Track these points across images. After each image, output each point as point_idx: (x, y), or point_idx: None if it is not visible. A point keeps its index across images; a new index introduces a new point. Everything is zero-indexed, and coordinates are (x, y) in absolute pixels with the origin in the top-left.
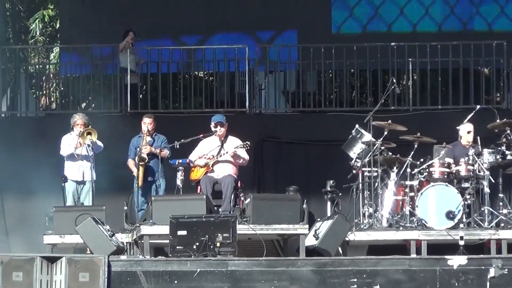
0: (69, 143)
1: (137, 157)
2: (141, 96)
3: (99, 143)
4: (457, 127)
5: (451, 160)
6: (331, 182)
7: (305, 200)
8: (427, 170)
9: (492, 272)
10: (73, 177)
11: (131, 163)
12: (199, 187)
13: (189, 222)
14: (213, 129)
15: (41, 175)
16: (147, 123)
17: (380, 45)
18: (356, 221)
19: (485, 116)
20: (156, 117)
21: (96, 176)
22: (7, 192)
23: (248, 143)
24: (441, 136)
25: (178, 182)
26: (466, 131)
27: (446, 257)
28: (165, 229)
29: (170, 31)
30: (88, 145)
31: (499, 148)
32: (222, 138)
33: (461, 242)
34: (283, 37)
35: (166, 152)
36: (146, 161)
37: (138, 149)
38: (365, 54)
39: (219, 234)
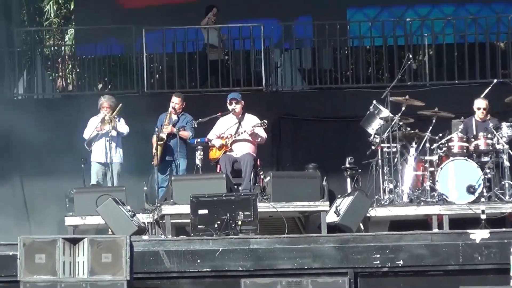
0: (94, 126)
1: (155, 136)
2: (157, 76)
3: (123, 129)
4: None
5: (469, 134)
6: (350, 158)
7: (325, 177)
8: (446, 144)
9: None
10: (97, 159)
11: (154, 138)
12: (218, 166)
13: (210, 201)
14: (229, 106)
15: (60, 156)
16: (174, 103)
17: (396, 21)
18: (376, 197)
19: (502, 90)
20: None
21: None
22: (27, 175)
23: (266, 121)
24: (458, 110)
25: (197, 161)
26: (476, 107)
27: (469, 231)
28: (186, 209)
29: None
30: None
31: None
32: (239, 116)
33: (483, 216)
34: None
35: (187, 134)
36: (164, 141)
37: (158, 128)
38: (380, 30)
39: (240, 213)
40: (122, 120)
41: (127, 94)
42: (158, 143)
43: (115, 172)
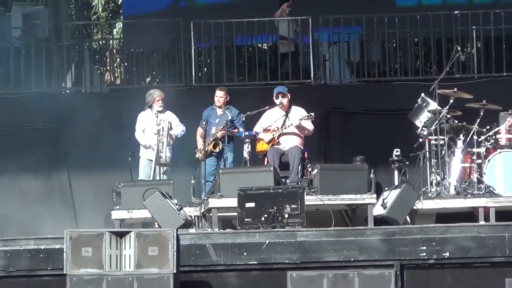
0: (146, 122)
1: (211, 140)
2: (205, 69)
3: (178, 130)
4: None
5: None
6: (396, 151)
7: (372, 170)
8: (494, 137)
9: None
10: (147, 155)
11: (199, 131)
12: (266, 159)
13: (257, 194)
14: (275, 100)
15: (107, 150)
16: (218, 96)
17: (444, 14)
18: (423, 189)
19: None
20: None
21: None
22: (74, 168)
23: (312, 114)
24: (507, 103)
25: (245, 154)
26: None
27: None
28: (233, 202)
29: None
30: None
31: None
32: (286, 109)
33: None
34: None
35: (237, 130)
36: (218, 146)
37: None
38: (428, 23)
39: (287, 206)
40: (175, 118)
41: (175, 88)
42: (213, 149)
43: (162, 171)
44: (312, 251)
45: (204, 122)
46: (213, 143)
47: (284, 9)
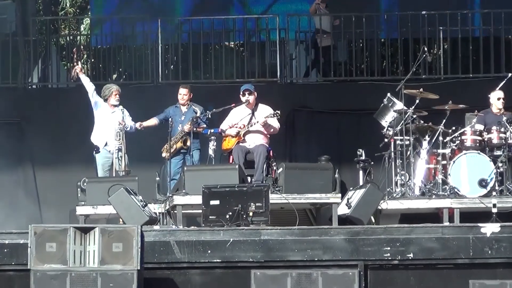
0: (101, 114)
1: (180, 136)
2: (172, 66)
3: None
4: (488, 95)
5: (482, 127)
6: (360, 151)
7: (337, 169)
8: (459, 138)
9: None
10: (106, 147)
11: (153, 120)
12: (231, 157)
13: (222, 192)
14: (241, 98)
15: (73, 146)
16: (182, 94)
17: (411, 14)
18: (388, 189)
19: None
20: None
21: (128, 146)
22: (39, 164)
23: (279, 112)
24: (472, 104)
25: (210, 152)
26: (496, 97)
27: (479, 224)
28: (198, 199)
29: None
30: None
31: None
32: (253, 107)
33: (494, 210)
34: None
35: (203, 127)
36: (186, 145)
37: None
38: (395, 23)
39: (252, 204)
40: (128, 115)
41: (142, 85)
42: (183, 145)
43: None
44: (276, 250)
45: (170, 119)
46: (183, 138)
47: (318, 3)
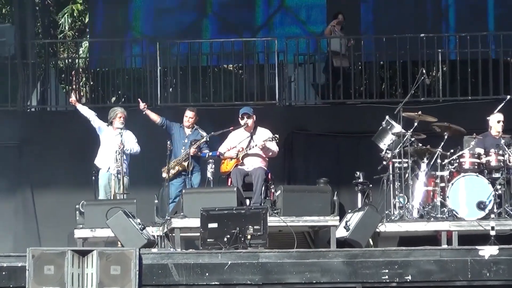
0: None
1: (182, 160)
2: (170, 89)
3: (134, 147)
4: (487, 118)
5: (481, 151)
6: (358, 173)
7: (336, 192)
8: (458, 160)
9: None
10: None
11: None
12: (229, 180)
13: (220, 215)
14: (240, 121)
15: (71, 169)
16: (188, 117)
17: (410, 37)
18: (387, 212)
19: None
20: (185, 110)
21: (127, 169)
22: (38, 186)
23: (277, 136)
24: (471, 127)
25: (209, 174)
26: (496, 120)
27: (477, 247)
28: (196, 222)
29: None
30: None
31: None
32: (251, 130)
33: (492, 233)
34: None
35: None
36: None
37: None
38: (394, 45)
39: (250, 226)
40: (134, 138)
41: None
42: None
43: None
44: (274, 273)
45: (168, 143)
46: (186, 162)
47: (333, 24)
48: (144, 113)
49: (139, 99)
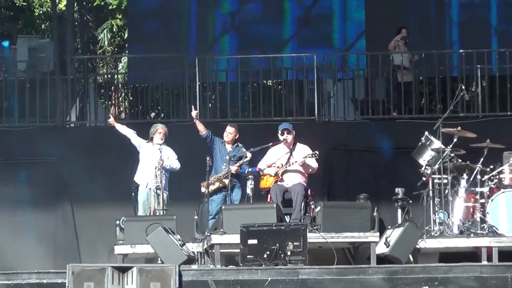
0: (145, 152)
1: (223, 177)
2: (210, 104)
3: (175, 164)
4: None
5: None
6: (400, 189)
7: (376, 208)
8: (497, 176)
9: None
10: (145, 184)
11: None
12: (269, 196)
13: (260, 231)
14: (280, 136)
15: (111, 184)
16: (228, 132)
17: (448, 52)
18: (426, 228)
19: None
20: (225, 125)
21: (167, 184)
22: (78, 202)
23: (317, 152)
24: (511, 142)
25: (248, 190)
26: None
27: None
28: (235, 238)
29: None
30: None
31: None
32: (291, 146)
33: None
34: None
35: (235, 169)
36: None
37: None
38: (433, 61)
39: (289, 243)
40: (174, 155)
41: (180, 123)
42: (223, 184)
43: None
44: None
45: (208, 158)
46: (227, 179)
47: (396, 39)
48: (194, 121)
49: (192, 106)
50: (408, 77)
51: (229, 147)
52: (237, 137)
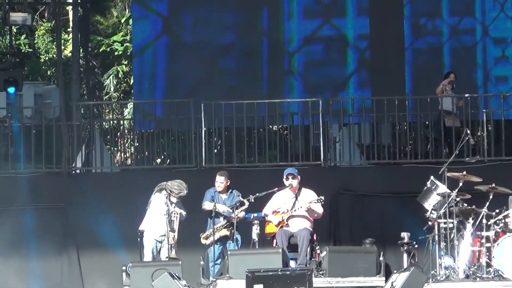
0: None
1: (227, 224)
2: (216, 150)
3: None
4: None
5: None
6: (406, 234)
7: (381, 252)
8: (503, 220)
9: None
10: (154, 235)
11: (207, 204)
12: (274, 241)
13: (266, 276)
14: (285, 181)
15: (117, 230)
16: (219, 182)
17: (454, 97)
18: (432, 272)
19: None
20: (231, 171)
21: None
22: (84, 248)
23: (323, 197)
24: None
25: (254, 236)
26: None
27: None
28: (241, 284)
29: None
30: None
31: None
32: (296, 191)
33: None
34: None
35: (242, 215)
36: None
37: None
38: (438, 106)
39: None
40: (180, 204)
41: (185, 169)
42: (227, 232)
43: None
44: None
45: (207, 198)
46: (230, 227)
47: (445, 84)
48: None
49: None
50: (457, 122)
51: (223, 196)
52: (228, 184)
